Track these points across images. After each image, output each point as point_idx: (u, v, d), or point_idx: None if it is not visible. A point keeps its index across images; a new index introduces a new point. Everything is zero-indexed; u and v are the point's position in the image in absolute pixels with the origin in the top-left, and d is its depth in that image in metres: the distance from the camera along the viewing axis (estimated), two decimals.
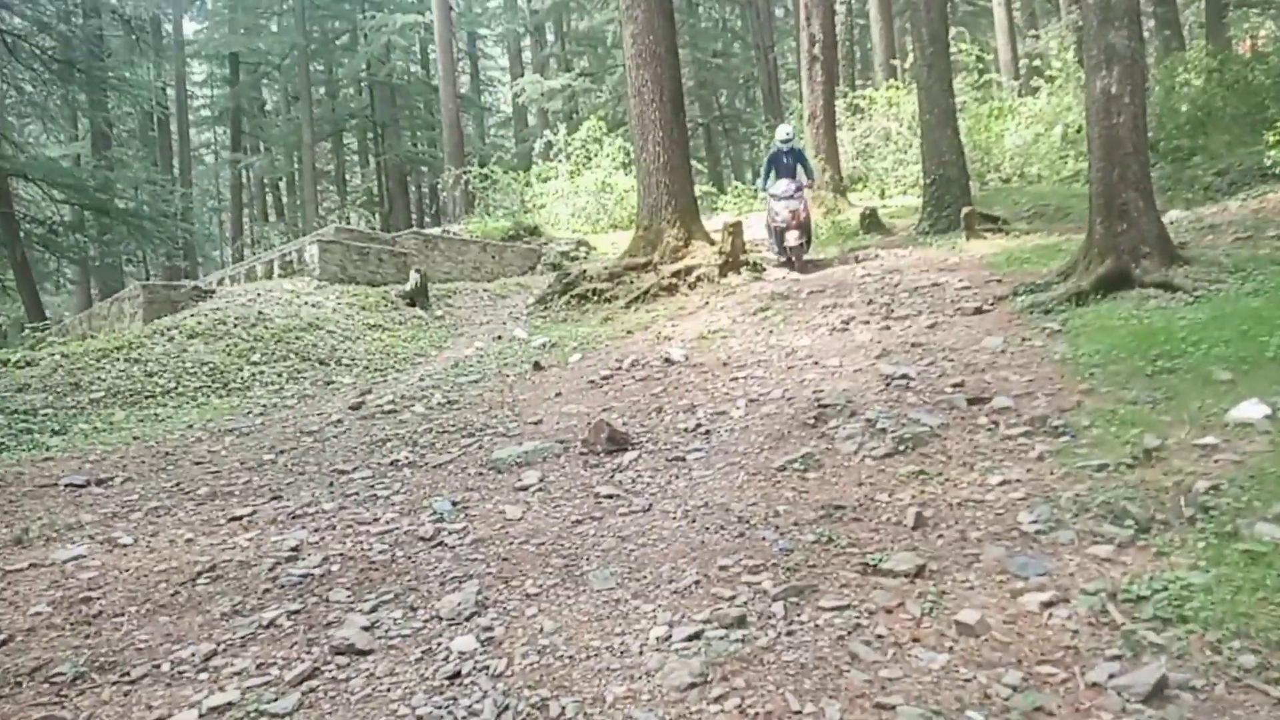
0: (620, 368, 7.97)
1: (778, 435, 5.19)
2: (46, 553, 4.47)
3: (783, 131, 12.31)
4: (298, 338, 10.92)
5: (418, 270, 13.90)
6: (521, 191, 22.71)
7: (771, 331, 8.31)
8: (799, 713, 2.45)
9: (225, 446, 6.94)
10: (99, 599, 3.78)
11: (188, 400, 9.02)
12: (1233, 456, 3.80)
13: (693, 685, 2.62)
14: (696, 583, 3.38)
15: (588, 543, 3.99)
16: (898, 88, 19.03)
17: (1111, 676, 2.49)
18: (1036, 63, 21.02)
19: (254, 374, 9.80)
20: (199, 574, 3.99)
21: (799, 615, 3.04)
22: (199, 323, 10.84)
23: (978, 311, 7.70)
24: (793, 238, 11.44)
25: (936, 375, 5.81)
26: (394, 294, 13.48)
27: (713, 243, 12.13)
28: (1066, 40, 19.71)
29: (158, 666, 3.12)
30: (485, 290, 14.99)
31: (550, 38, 39.13)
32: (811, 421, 5.28)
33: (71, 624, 3.55)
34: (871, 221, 14.19)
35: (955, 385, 5.50)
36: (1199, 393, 4.60)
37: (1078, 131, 17.52)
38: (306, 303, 12.19)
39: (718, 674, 2.68)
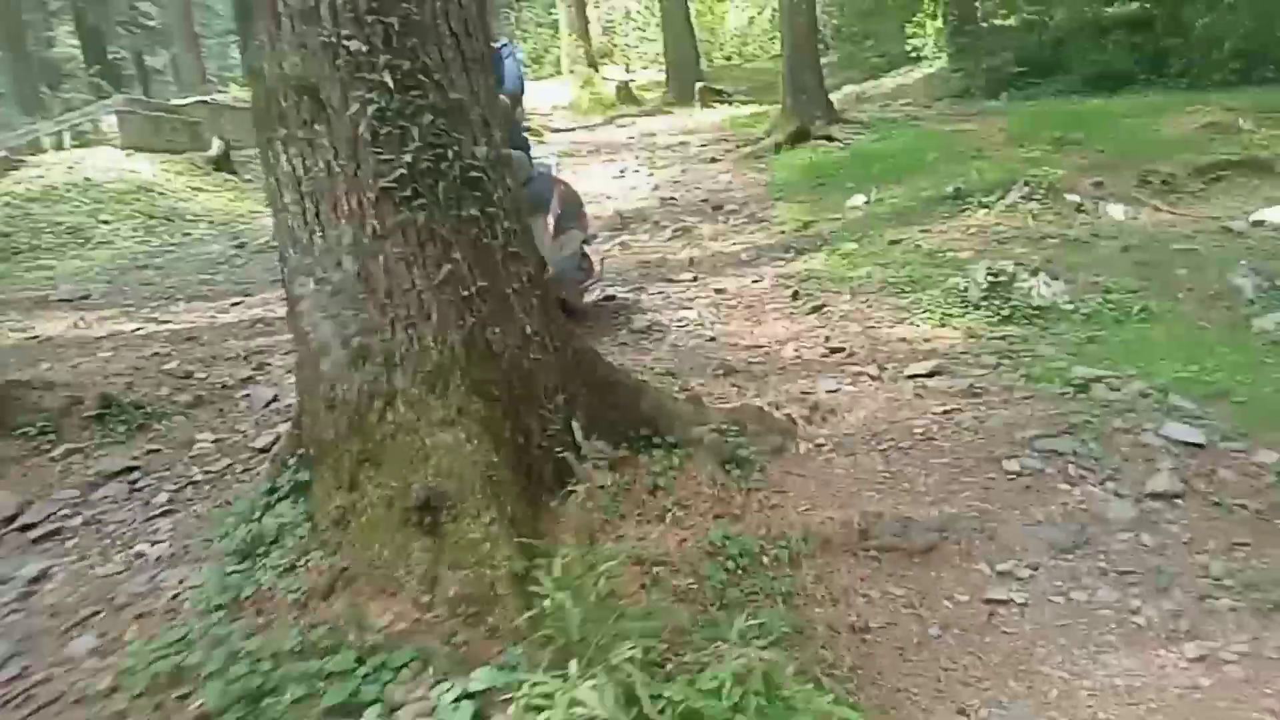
0: None
1: (600, 231, 8.10)
2: None
3: None
4: (136, 198, 12.08)
5: (220, 138, 14.98)
6: None
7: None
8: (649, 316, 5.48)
9: (158, 272, 8.69)
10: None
11: (57, 255, 10.25)
12: (844, 221, 7.26)
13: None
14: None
15: None
16: None
17: (774, 302, 5.72)
18: None
19: (112, 229, 11.05)
20: None
21: (641, 294, 6.04)
22: (28, 189, 11.70)
23: (713, 161, 10.94)
24: None
25: (692, 197, 8.97)
26: (199, 160, 14.55)
27: None
28: None
29: None
30: None
31: None
32: (619, 226, 8.25)
33: None
34: (625, 94, 17.09)
35: (703, 200, 8.70)
36: (835, 196, 8.10)
37: None
38: (126, 168, 13.12)
39: None
